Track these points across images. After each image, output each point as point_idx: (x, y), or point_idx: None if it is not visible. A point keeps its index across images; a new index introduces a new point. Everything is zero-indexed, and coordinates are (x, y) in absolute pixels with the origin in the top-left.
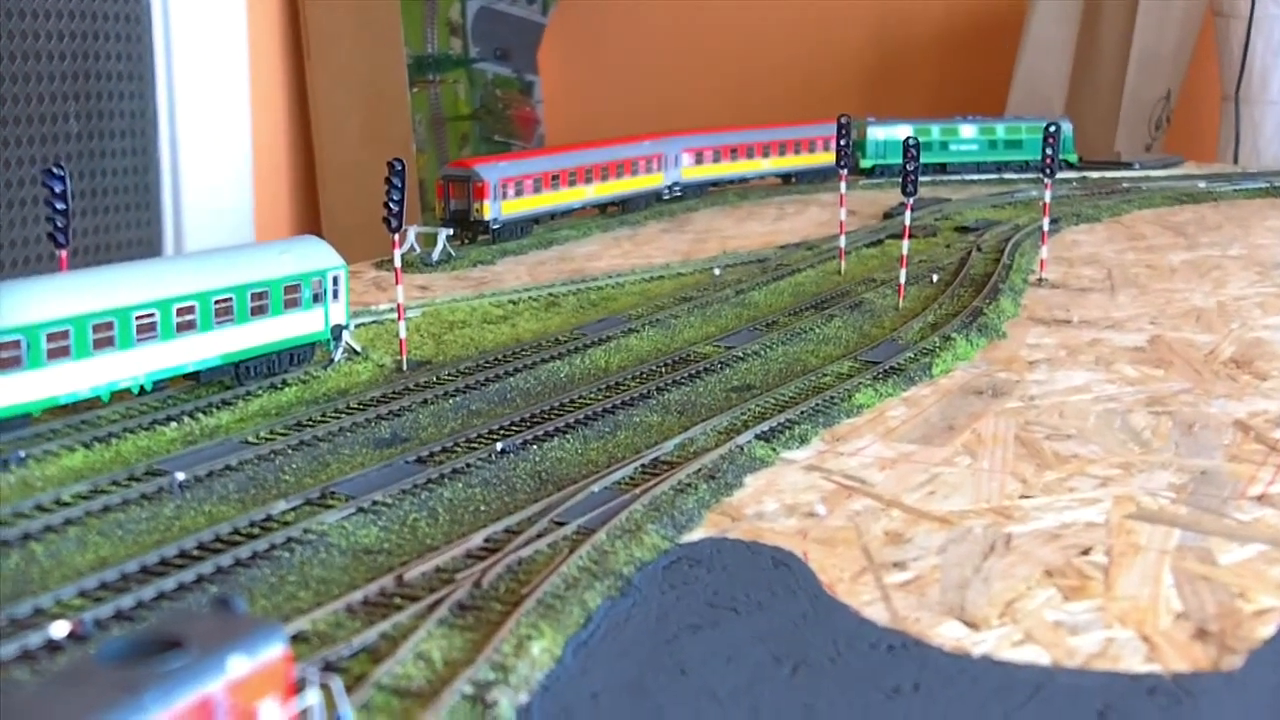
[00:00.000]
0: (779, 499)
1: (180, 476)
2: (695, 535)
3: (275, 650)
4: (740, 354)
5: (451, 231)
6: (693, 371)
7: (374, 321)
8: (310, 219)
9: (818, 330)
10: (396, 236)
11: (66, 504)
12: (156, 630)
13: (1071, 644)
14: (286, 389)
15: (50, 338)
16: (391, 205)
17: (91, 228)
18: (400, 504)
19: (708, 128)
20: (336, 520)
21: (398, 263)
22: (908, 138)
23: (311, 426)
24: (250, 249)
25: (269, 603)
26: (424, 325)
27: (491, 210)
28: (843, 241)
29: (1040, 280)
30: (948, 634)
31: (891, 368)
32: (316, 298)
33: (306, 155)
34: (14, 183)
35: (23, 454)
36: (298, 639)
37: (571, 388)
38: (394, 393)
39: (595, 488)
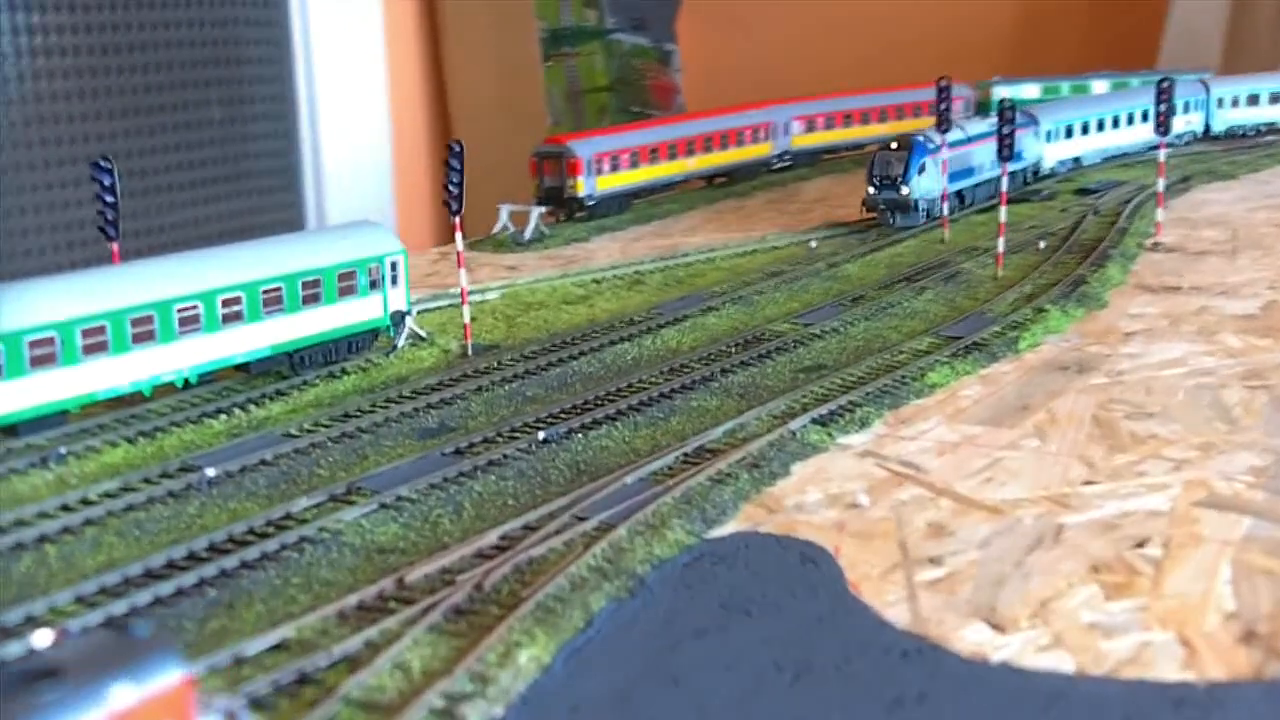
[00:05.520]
0: (824, 488)
1: (210, 473)
2: (725, 529)
3: (170, 677)
4: (818, 331)
5: (545, 209)
6: (763, 351)
7: (450, 305)
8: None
9: (905, 304)
10: (458, 219)
11: (91, 503)
12: (32, 659)
13: (1103, 648)
14: (345, 378)
15: (85, 333)
16: (451, 188)
17: (235, 210)
18: (425, 499)
19: (823, 94)
20: (355, 518)
21: (460, 246)
22: (1002, 99)
23: (357, 417)
24: (305, 236)
25: (266, 607)
26: (500, 307)
27: (586, 186)
28: (945, 209)
29: (1155, 245)
30: (970, 637)
31: (974, 343)
32: (374, 284)
33: (443, 132)
34: (161, 169)
35: (63, 450)
36: (278, 648)
37: (635, 371)
38: (450, 380)
39: (629, 479)
